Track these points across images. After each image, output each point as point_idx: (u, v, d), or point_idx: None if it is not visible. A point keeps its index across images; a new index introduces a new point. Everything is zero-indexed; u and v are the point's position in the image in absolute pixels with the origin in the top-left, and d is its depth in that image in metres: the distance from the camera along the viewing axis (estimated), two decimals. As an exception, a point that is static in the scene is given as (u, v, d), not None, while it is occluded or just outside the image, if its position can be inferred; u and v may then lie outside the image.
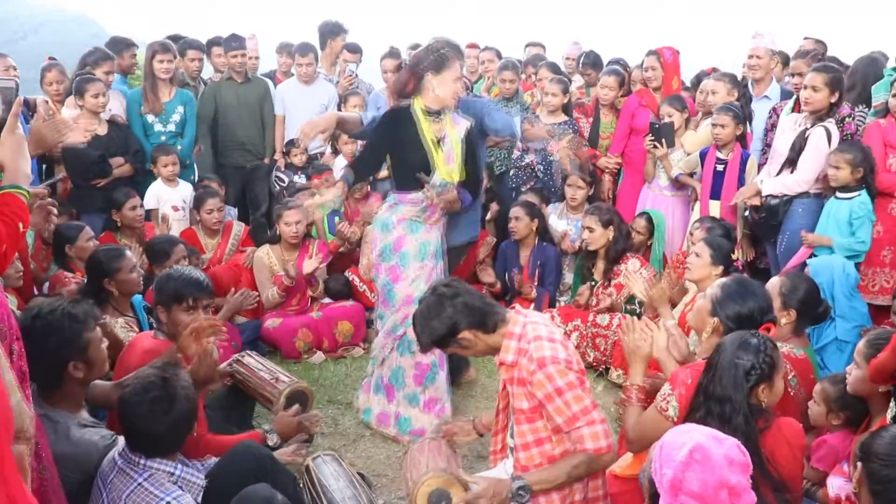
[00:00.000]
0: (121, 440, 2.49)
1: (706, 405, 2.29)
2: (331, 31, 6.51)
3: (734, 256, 4.03)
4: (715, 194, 4.92)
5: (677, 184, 5.32)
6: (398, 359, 3.85)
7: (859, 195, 4.22)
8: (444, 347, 2.58)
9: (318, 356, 4.83)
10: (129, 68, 5.98)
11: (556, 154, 4.63)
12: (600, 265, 4.86)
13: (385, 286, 3.89)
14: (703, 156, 5.02)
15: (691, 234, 4.56)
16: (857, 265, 4.21)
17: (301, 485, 2.89)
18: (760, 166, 4.96)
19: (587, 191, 5.42)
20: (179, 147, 5.52)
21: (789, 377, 2.84)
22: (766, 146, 5.08)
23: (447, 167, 3.74)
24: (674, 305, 4.04)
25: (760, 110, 5.28)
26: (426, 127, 3.71)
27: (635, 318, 2.84)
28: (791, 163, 4.50)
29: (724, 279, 2.99)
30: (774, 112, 5.06)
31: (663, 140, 5.15)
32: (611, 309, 4.68)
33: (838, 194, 4.31)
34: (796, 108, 4.69)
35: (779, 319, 3.03)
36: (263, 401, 3.41)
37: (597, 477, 2.54)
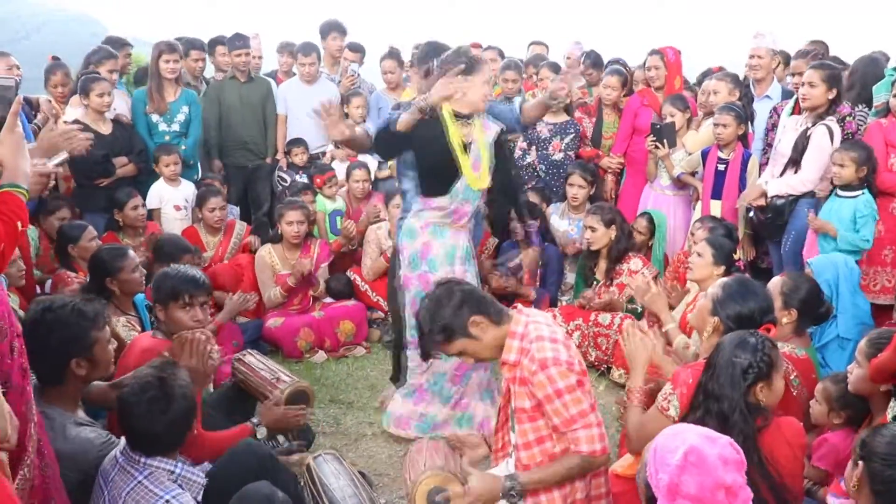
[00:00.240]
0: (122, 440, 2.49)
1: (705, 403, 2.31)
2: (323, 31, 6.52)
3: (736, 256, 4.04)
4: (716, 194, 4.92)
5: (679, 183, 5.32)
6: (442, 365, 3.73)
7: (863, 194, 4.22)
8: (452, 339, 2.53)
9: (320, 356, 4.83)
10: (123, 67, 5.98)
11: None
12: (602, 265, 4.86)
13: (417, 296, 3.65)
14: (704, 155, 5.02)
15: (692, 233, 4.56)
16: (858, 263, 4.21)
17: (302, 483, 2.90)
18: (761, 166, 4.97)
19: (588, 190, 5.42)
20: (183, 147, 5.52)
21: (791, 377, 2.85)
22: (767, 146, 5.09)
23: (474, 173, 3.65)
24: (673, 307, 4.05)
25: (762, 110, 5.29)
26: (454, 130, 3.60)
27: (635, 325, 2.87)
28: (794, 163, 4.51)
29: (725, 279, 3.00)
30: (775, 112, 5.07)
31: (665, 140, 5.15)
32: (612, 308, 4.68)
33: (839, 192, 4.31)
34: (796, 109, 4.69)
35: (780, 319, 3.03)
36: (265, 400, 3.41)
37: (599, 475, 2.56)
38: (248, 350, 3.73)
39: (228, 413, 3.40)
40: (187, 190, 5.39)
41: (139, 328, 3.57)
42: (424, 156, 3.67)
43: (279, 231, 5.03)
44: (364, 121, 6.17)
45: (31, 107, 5.17)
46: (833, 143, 4.38)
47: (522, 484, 2.42)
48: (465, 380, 3.78)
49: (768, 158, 4.91)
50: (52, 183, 4.57)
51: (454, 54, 3.67)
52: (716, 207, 4.91)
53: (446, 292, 2.55)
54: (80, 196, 5.06)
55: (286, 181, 5.98)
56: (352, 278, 5.33)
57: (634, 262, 4.77)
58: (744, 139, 4.93)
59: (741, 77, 5.47)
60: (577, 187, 5.35)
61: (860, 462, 2.00)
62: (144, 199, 5.07)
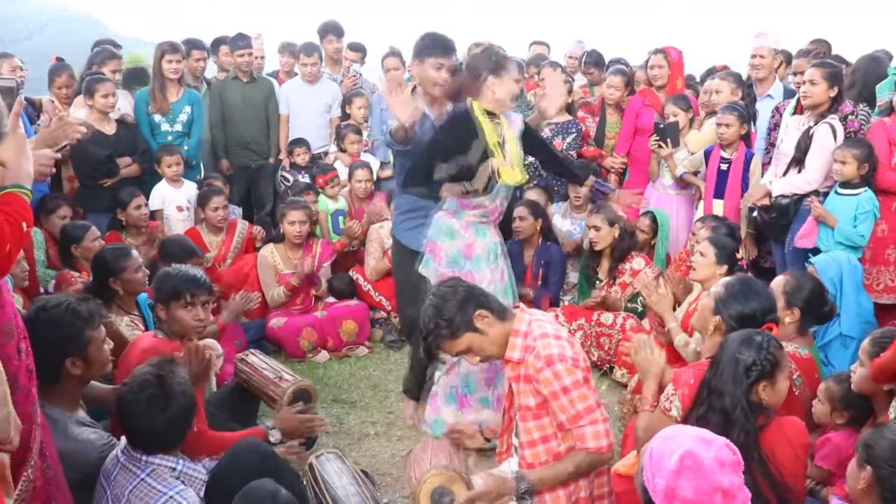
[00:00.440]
0: (122, 440, 2.50)
1: (709, 399, 2.32)
2: (320, 34, 6.52)
3: (738, 255, 4.03)
4: (719, 193, 4.92)
5: (682, 183, 5.32)
6: (469, 366, 3.64)
7: (865, 191, 4.22)
8: (458, 334, 2.52)
9: (323, 355, 4.84)
10: None
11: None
12: (605, 264, 4.86)
13: None
14: (707, 155, 5.02)
15: (695, 233, 4.56)
16: (860, 262, 4.20)
17: (304, 482, 2.90)
18: (764, 166, 4.96)
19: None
20: (186, 147, 5.53)
21: (794, 377, 2.84)
22: (770, 145, 5.08)
23: (511, 171, 3.60)
24: (678, 303, 4.05)
25: (764, 109, 5.28)
26: (489, 130, 3.56)
27: (644, 338, 2.88)
28: (798, 162, 4.50)
29: (728, 278, 2.99)
30: (777, 111, 5.06)
31: (668, 140, 5.15)
32: (612, 307, 4.68)
33: (840, 190, 4.31)
34: (798, 108, 4.68)
35: (783, 319, 3.03)
36: (267, 399, 3.41)
37: (602, 475, 2.57)
38: (251, 350, 3.74)
39: (231, 413, 3.41)
40: (190, 191, 5.39)
41: (143, 328, 3.57)
42: (461, 157, 3.58)
43: (281, 231, 5.04)
44: (366, 121, 6.18)
45: (35, 107, 5.18)
46: (836, 141, 4.37)
47: (532, 483, 2.42)
48: (497, 381, 3.72)
49: (771, 158, 4.91)
50: (53, 171, 4.55)
51: (482, 53, 3.64)
52: (718, 207, 4.91)
53: (450, 289, 2.57)
54: (83, 196, 5.08)
55: (289, 181, 5.99)
56: (354, 278, 5.32)
57: (637, 262, 4.77)
58: (746, 139, 4.93)
59: (744, 76, 5.46)
60: (578, 187, 5.35)
61: (868, 467, 1.99)
62: (148, 199, 5.08)
